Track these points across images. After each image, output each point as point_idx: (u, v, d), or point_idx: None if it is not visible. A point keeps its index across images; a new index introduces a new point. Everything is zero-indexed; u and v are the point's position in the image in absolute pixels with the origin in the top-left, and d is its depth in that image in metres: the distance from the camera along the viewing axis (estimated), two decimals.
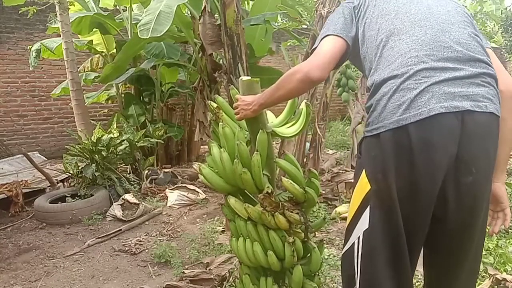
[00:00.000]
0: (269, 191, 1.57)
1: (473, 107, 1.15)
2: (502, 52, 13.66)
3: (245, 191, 1.73)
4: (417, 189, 1.18)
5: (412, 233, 1.23)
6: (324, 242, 3.12)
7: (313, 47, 1.37)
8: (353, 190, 1.34)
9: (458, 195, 1.20)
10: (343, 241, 1.40)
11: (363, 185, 1.25)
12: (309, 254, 1.72)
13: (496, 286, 2.32)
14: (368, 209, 1.24)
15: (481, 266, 2.52)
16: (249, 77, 1.57)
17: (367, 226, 1.25)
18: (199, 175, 1.77)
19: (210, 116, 1.76)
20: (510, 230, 2.96)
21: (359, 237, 1.27)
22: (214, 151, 1.70)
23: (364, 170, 1.26)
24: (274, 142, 1.81)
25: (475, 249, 1.31)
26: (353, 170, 4.36)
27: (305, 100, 1.73)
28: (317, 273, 1.77)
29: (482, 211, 1.25)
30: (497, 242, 2.72)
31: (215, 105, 1.74)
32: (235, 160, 1.57)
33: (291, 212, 1.57)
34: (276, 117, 1.80)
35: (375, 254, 1.24)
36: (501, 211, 1.37)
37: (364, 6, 1.40)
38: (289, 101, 1.70)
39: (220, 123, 1.66)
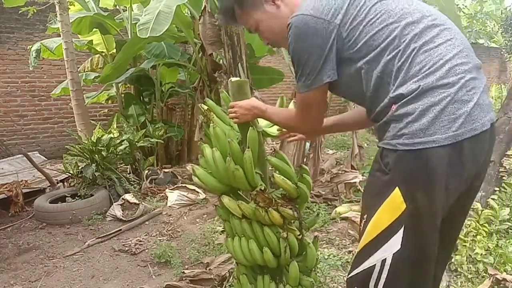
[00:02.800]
0: (262, 188, 1.61)
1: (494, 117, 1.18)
2: (502, 52, 13.66)
3: (238, 191, 1.75)
4: (459, 202, 1.21)
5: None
6: (324, 242, 3.13)
7: (300, 89, 1.29)
8: (370, 206, 1.19)
9: (471, 197, 1.30)
10: (353, 262, 1.26)
11: (396, 205, 1.11)
12: (304, 252, 1.73)
13: (496, 286, 2.32)
14: (401, 230, 1.12)
15: (481, 266, 2.53)
16: (238, 78, 1.60)
17: (398, 247, 1.12)
18: (192, 176, 1.79)
19: (201, 119, 1.77)
20: (510, 230, 2.96)
21: (384, 260, 1.14)
22: (206, 151, 1.72)
23: (397, 188, 1.10)
24: (274, 143, 1.82)
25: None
26: (353, 170, 4.39)
27: (293, 100, 1.75)
28: (313, 269, 1.78)
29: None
30: (497, 242, 2.72)
31: (205, 107, 1.76)
32: (227, 157, 1.60)
33: (285, 208, 1.59)
34: None
35: (401, 277, 1.16)
36: None
37: (349, 15, 1.19)
38: (278, 102, 1.77)
39: (211, 124, 1.68)
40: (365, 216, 1.22)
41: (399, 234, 1.12)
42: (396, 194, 1.11)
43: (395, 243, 1.13)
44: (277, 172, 1.67)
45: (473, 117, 1.08)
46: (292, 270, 1.66)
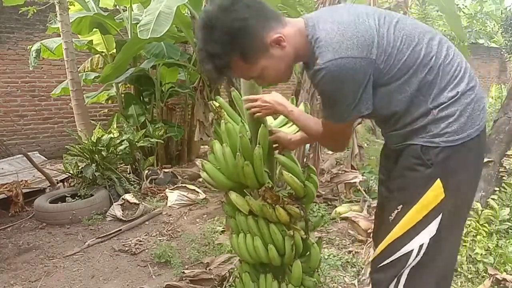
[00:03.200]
0: (270, 186, 1.61)
1: None
2: (502, 52, 13.66)
3: (245, 190, 1.75)
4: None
5: None
6: (324, 242, 3.13)
7: (330, 119, 1.33)
8: (410, 197, 1.29)
9: None
10: (382, 252, 1.35)
11: (437, 194, 1.26)
12: (308, 252, 1.74)
13: (496, 286, 2.33)
14: (439, 217, 1.27)
15: (481, 266, 2.53)
16: None
17: (434, 232, 1.27)
18: (200, 172, 1.79)
19: (212, 116, 1.77)
20: (510, 230, 2.96)
21: (422, 244, 1.28)
22: (216, 147, 1.71)
23: (439, 180, 1.25)
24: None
25: None
26: (353, 170, 4.39)
27: (303, 101, 1.75)
28: (316, 270, 1.78)
29: None
30: (497, 242, 2.72)
31: (217, 104, 1.76)
32: (237, 153, 1.59)
33: (291, 206, 1.60)
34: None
35: (434, 260, 1.30)
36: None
37: (380, 47, 1.23)
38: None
39: (222, 121, 1.68)
40: (399, 207, 1.31)
41: (437, 220, 1.27)
42: (438, 185, 1.25)
43: (432, 229, 1.27)
44: (285, 170, 1.67)
45: (484, 110, 1.29)
46: (295, 269, 1.66)
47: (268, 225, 1.64)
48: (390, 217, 1.34)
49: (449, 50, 1.29)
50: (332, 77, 1.18)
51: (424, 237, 1.27)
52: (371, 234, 1.85)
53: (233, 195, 1.69)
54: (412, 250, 1.28)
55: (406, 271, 1.30)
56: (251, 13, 1.20)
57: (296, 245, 1.63)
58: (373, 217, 3.19)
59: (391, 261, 1.32)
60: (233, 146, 1.65)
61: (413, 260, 1.29)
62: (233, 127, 1.67)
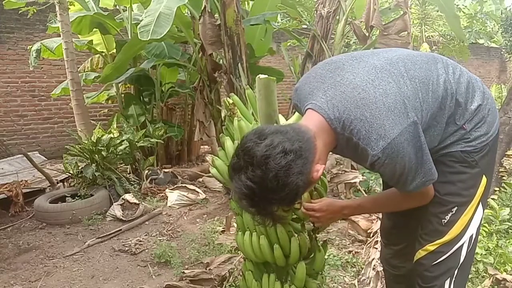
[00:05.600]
0: None
1: None
2: (502, 52, 13.66)
3: None
4: None
5: None
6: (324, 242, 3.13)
7: (423, 183, 1.30)
8: (465, 197, 1.40)
9: None
10: (436, 250, 1.43)
11: (482, 190, 1.41)
12: (312, 255, 1.73)
13: (496, 286, 2.32)
14: (481, 207, 1.43)
15: (481, 266, 2.53)
16: (265, 76, 1.56)
17: (479, 223, 1.43)
18: (210, 168, 1.76)
19: (225, 113, 1.76)
20: (510, 230, 2.96)
21: (471, 236, 1.42)
22: (228, 144, 1.69)
23: (483, 176, 1.40)
24: None
25: None
26: (353, 170, 4.39)
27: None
28: (320, 273, 1.78)
29: None
30: (497, 242, 2.72)
31: (231, 101, 1.75)
32: None
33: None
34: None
35: (476, 242, 1.48)
36: None
37: (417, 109, 1.26)
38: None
39: (235, 118, 1.66)
40: (454, 209, 1.39)
41: (480, 211, 1.42)
42: (484, 180, 1.40)
43: (478, 219, 1.42)
44: None
45: (496, 105, 1.44)
46: (299, 271, 1.65)
47: (275, 225, 1.63)
48: (443, 220, 1.40)
49: (456, 70, 1.38)
50: (393, 159, 1.20)
51: (473, 229, 1.42)
52: (380, 233, 1.85)
53: None
54: (464, 242, 1.41)
55: (464, 259, 1.43)
56: (299, 169, 1.12)
57: (302, 247, 1.63)
58: (373, 217, 3.20)
59: (448, 256, 1.42)
60: None
61: (466, 250, 1.42)
62: (247, 125, 1.65)
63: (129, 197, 4.20)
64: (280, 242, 1.63)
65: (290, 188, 1.12)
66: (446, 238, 1.40)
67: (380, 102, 1.20)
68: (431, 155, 1.30)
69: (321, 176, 1.61)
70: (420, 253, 1.46)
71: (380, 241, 1.87)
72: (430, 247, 1.43)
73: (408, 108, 1.22)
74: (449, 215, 1.39)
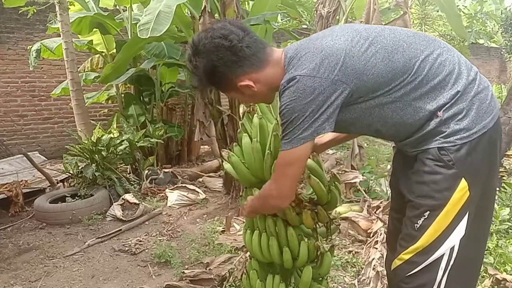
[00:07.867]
0: None
1: None
2: (502, 52, 13.66)
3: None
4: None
5: None
6: (324, 242, 3.13)
7: (286, 146, 1.26)
8: (437, 201, 1.27)
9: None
10: (410, 259, 1.33)
11: (463, 194, 1.25)
12: (318, 259, 1.72)
13: (496, 286, 2.32)
14: (466, 216, 1.27)
15: (481, 266, 2.52)
16: None
17: (463, 234, 1.27)
18: (223, 164, 1.75)
19: (244, 109, 1.77)
20: (510, 230, 2.96)
21: (452, 247, 1.27)
22: (245, 140, 1.68)
23: (463, 179, 1.24)
24: None
25: None
26: (353, 170, 4.39)
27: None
28: (326, 277, 1.77)
29: None
30: (497, 242, 2.72)
31: None
32: (267, 151, 1.56)
33: (319, 210, 1.57)
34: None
35: (466, 259, 1.30)
36: None
37: (353, 69, 1.23)
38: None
39: (256, 115, 1.66)
40: (426, 214, 1.29)
41: (464, 221, 1.26)
42: (463, 184, 1.24)
43: (461, 230, 1.26)
44: (312, 175, 1.60)
45: (495, 98, 1.29)
46: (305, 274, 1.63)
47: (286, 227, 1.62)
48: (415, 224, 1.31)
49: (449, 52, 1.29)
50: (289, 93, 1.22)
51: (454, 239, 1.27)
52: (386, 237, 1.83)
53: (257, 192, 1.65)
54: (444, 254, 1.28)
55: (446, 274, 1.29)
56: (224, 60, 1.28)
57: (310, 251, 1.61)
58: (373, 217, 3.20)
59: (424, 267, 1.31)
60: (263, 142, 1.62)
61: (446, 263, 1.28)
62: (267, 123, 1.64)
63: (129, 197, 4.20)
64: (289, 244, 1.62)
65: (207, 60, 1.29)
66: (418, 244, 1.30)
67: (321, 48, 1.24)
68: (411, 149, 1.33)
69: (336, 183, 1.62)
70: (396, 263, 1.39)
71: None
72: (405, 255, 1.34)
73: (341, 67, 1.21)
74: (422, 219, 1.29)
